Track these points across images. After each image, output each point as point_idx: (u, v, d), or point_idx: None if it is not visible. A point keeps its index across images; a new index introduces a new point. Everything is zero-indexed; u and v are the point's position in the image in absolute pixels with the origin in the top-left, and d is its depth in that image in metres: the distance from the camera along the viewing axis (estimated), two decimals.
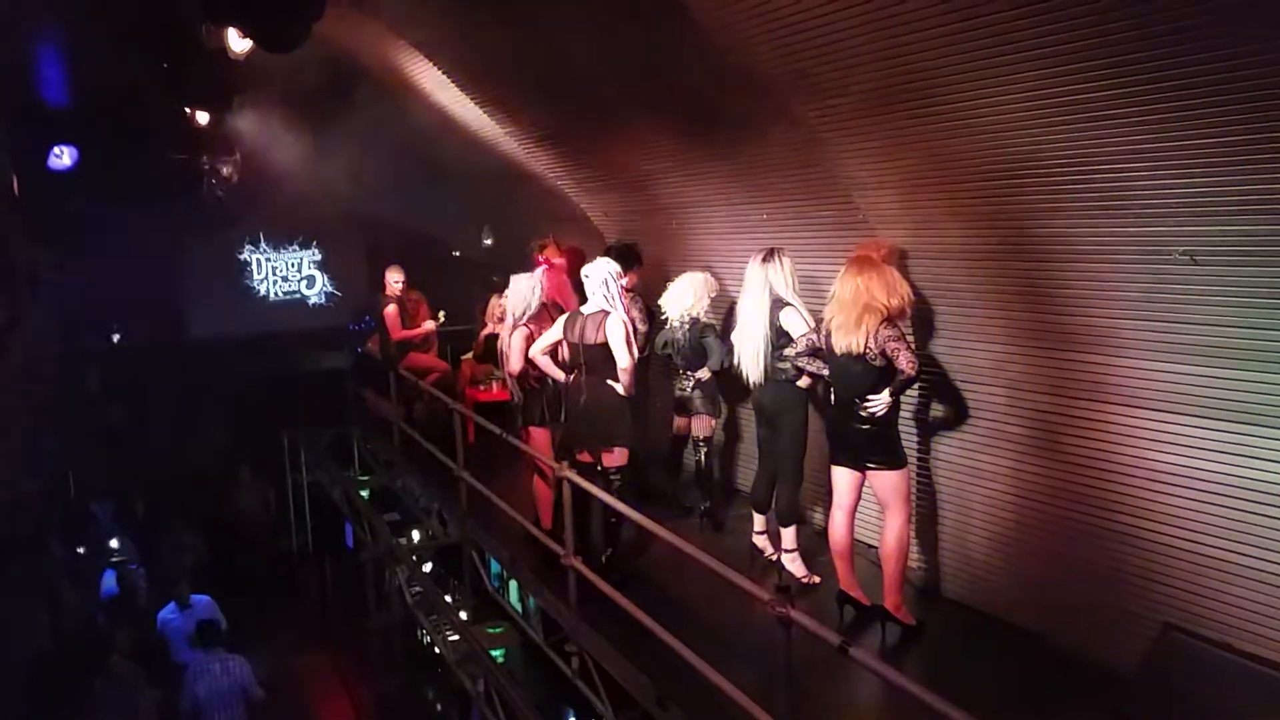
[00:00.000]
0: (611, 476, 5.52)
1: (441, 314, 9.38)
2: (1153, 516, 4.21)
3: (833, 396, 5.03)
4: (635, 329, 6.63)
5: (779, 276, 5.43)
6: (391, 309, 8.96)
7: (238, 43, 7.13)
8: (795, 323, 5.35)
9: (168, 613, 9.28)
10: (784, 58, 4.58)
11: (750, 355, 5.50)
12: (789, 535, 5.58)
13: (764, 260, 5.47)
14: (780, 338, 5.39)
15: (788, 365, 5.40)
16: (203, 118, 8.73)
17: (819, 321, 5.08)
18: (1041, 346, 4.60)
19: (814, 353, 5.06)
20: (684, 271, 6.51)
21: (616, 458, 5.55)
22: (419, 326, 9.25)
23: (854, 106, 4.57)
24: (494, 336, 8.89)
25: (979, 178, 4.30)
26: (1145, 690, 4.15)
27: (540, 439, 6.24)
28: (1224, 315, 3.70)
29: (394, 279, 9.05)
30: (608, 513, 5.42)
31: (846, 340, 4.72)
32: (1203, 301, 3.75)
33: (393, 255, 9.72)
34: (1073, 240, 4.12)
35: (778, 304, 5.41)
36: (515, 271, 6.49)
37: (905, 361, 4.54)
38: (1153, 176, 3.55)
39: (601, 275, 5.49)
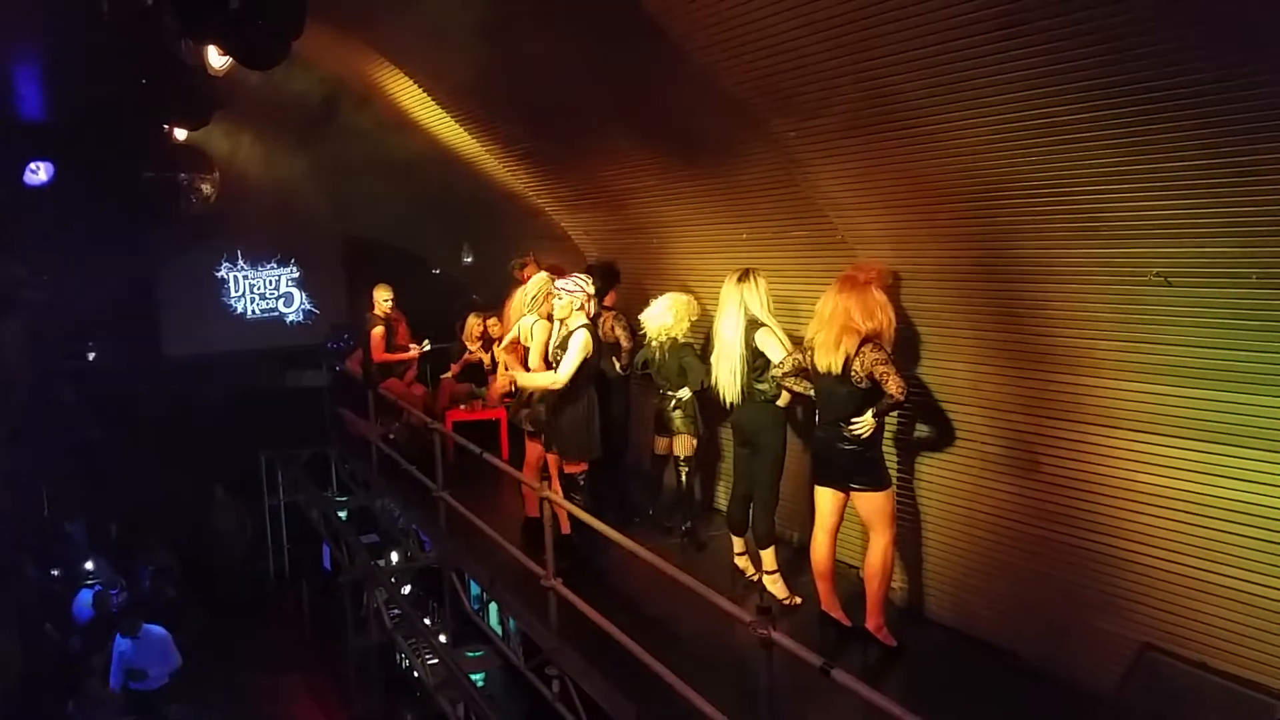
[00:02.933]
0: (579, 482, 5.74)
1: (426, 342, 9.30)
2: (1130, 536, 4.23)
3: (817, 417, 5.03)
4: (620, 347, 6.72)
5: (754, 297, 5.44)
6: (379, 330, 8.85)
7: (217, 59, 7.10)
8: (770, 343, 5.36)
9: (121, 643, 8.98)
10: (762, 79, 4.61)
11: (727, 375, 5.50)
12: (768, 556, 5.57)
13: (739, 280, 5.48)
14: (756, 358, 5.40)
15: (765, 385, 5.40)
16: (181, 134, 8.68)
17: (801, 340, 5.10)
18: (1018, 367, 4.62)
19: (800, 372, 5.07)
20: (663, 290, 6.52)
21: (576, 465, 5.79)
22: (401, 345, 9.17)
23: (831, 128, 4.60)
24: (477, 363, 8.92)
25: (955, 199, 4.33)
26: (1124, 710, 4.16)
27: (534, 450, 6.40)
28: (1198, 336, 3.73)
29: (383, 298, 8.95)
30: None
31: (826, 359, 4.75)
32: (1177, 322, 3.78)
33: (374, 273, 9.66)
34: (1049, 261, 4.15)
35: (753, 324, 5.42)
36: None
37: (894, 386, 4.55)
38: (1127, 199, 3.58)
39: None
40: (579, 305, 5.72)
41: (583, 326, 5.66)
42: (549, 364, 5.86)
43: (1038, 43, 3.29)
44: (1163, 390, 3.97)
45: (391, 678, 9.84)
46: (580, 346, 5.58)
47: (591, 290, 5.83)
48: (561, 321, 5.79)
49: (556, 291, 5.75)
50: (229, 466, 12.54)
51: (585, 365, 5.62)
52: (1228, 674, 3.87)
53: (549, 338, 5.98)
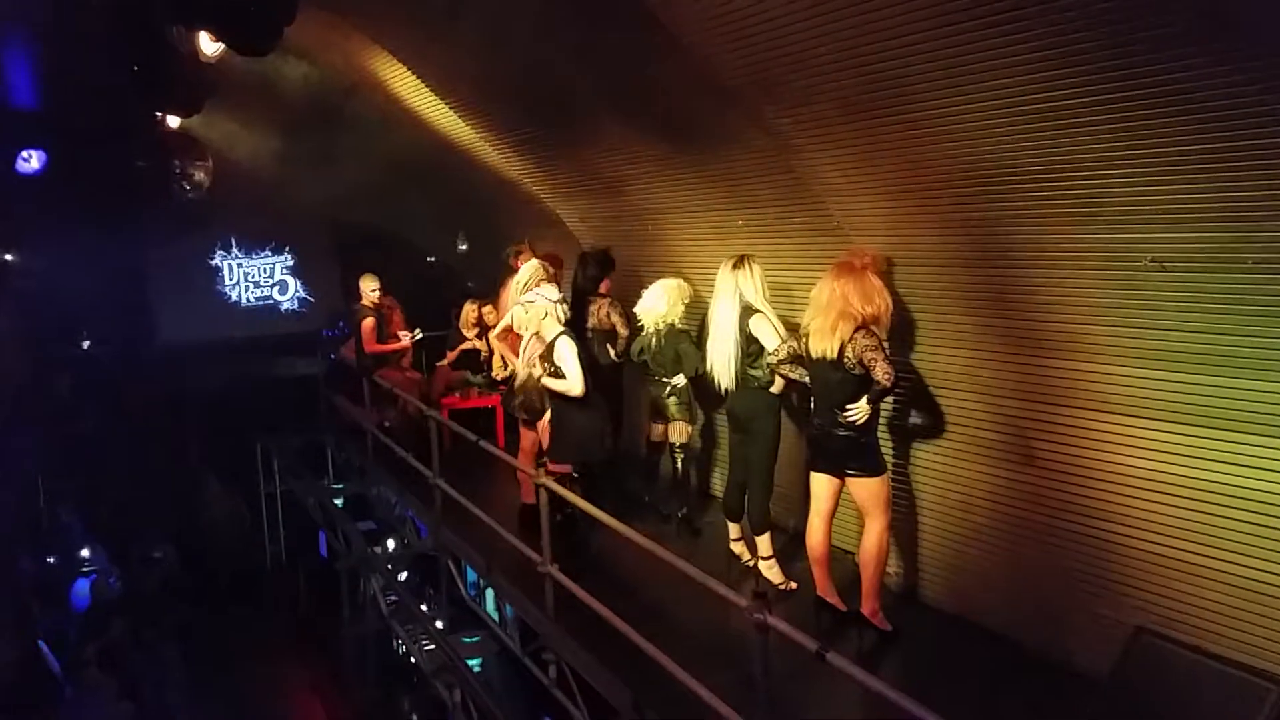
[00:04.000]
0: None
1: (418, 330, 9.29)
2: (1123, 520, 4.25)
3: (812, 404, 5.03)
4: (615, 333, 6.74)
5: (749, 283, 5.44)
6: (369, 322, 8.82)
7: (209, 46, 7.08)
8: (765, 330, 5.37)
9: None
10: (757, 65, 4.59)
11: (721, 362, 5.51)
12: (764, 542, 5.58)
13: (734, 267, 5.48)
14: (750, 344, 5.40)
15: (759, 372, 5.41)
16: (174, 121, 8.65)
17: (797, 326, 5.10)
18: (1014, 352, 4.63)
19: (796, 359, 5.07)
20: (658, 277, 6.52)
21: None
22: (394, 334, 9.16)
23: (826, 113, 4.59)
24: (473, 351, 8.92)
25: (951, 184, 4.33)
26: (1118, 693, 4.18)
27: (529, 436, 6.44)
28: (1193, 321, 3.74)
29: (369, 288, 8.93)
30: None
31: (822, 345, 4.75)
32: (1173, 307, 3.79)
33: (367, 261, 9.63)
34: (1044, 247, 4.15)
35: (748, 310, 5.42)
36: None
37: (881, 372, 4.56)
38: (1123, 184, 3.58)
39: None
40: (545, 314, 5.78)
41: (562, 334, 5.73)
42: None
43: (1034, 28, 3.28)
44: (1158, 375, 3.97)
45: (388, 664, 9.87)
46: (570, 350, 5.69)
47: (556, 297, 5.88)
48: (536, 335, 5.86)
49: (523, 304, 5.84)
50: (225, 454, 12.54)
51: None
52: (1221, 657, 3.89)
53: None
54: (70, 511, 11.88)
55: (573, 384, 5.69)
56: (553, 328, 5.81)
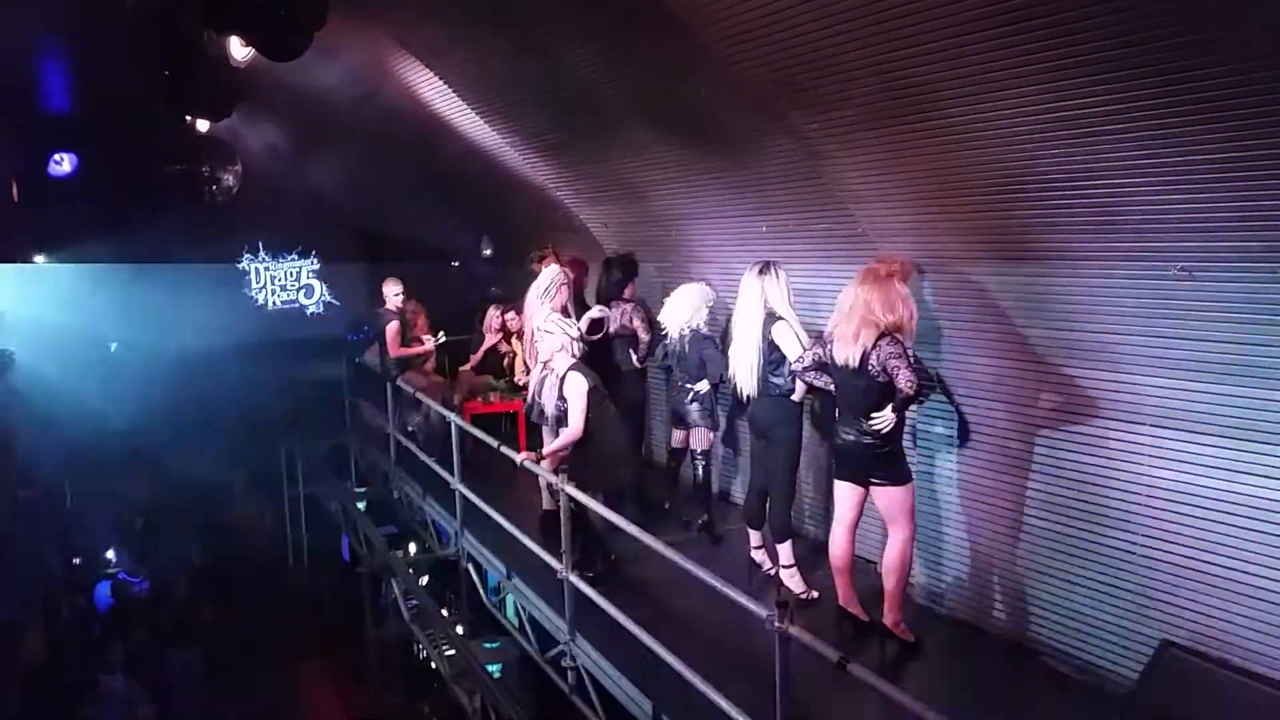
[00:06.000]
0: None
1: (442, 334, 9.32)
2: (1150, 533, 4.20)
3: (837, 412, 5.00)
4: (638, 339, 6.72)
5: (774, 289, 5.41)
6: (393, 325, 8.85)
7: (239, 51, 7.15)
8: (787, 337, 5.33)
9: None
10: (782, 72, 4.58)
11: (744, 369, 5.48)
12: (785, 550, 5.54)
13: (760, 273, 5.45)
14: (772, 351, 5.37)
15: (781, 379, 5.38)
16: (204, 126, 8.73)
17: (821, 334, 5.08)
18: (1039, 361, 4.59)
19: (820, 366, 5.03)
20: (681, 283, 6.51)
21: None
22: (418, 337, 9.20)
23: (852, 120, 4.57)
24: (496, 355, 8.95)
25: (977, 191, 4.30)
26: (1144, 708, 4.12)
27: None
28: (1222, 330, 3.69)
29: (392, 291, 8.97)
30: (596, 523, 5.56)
31: (845, 353, 4.72)
32: (1198, 316, 3.75)
33: (391, 266, 9.68)
34: (1070, 254, 4.12)
35: (771, 317, 5.39)
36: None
37: (904, 380, 4.51)
38: (1150, 191, 3.55)
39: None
40: (560, 347, 5.68)
41: (571, 369, 5.65)
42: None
43: (1059, 34, 3.26)
44: (1186, 385, 3.93)
45: (409, 668, 9.89)
46: (580, 393, 5.57)
47: (575, 334, 5.77)
48: (545, 363, 5.78)
49: (540, 333, 5.73)
50: (249, 458, 12.62)
51: (593, 396, 5.61)
52: (1250, 672, 3.83)
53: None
54: (100, 513, 11.99)
55: (573, 430, 5.59)
56: (564, 362, 5.70)
